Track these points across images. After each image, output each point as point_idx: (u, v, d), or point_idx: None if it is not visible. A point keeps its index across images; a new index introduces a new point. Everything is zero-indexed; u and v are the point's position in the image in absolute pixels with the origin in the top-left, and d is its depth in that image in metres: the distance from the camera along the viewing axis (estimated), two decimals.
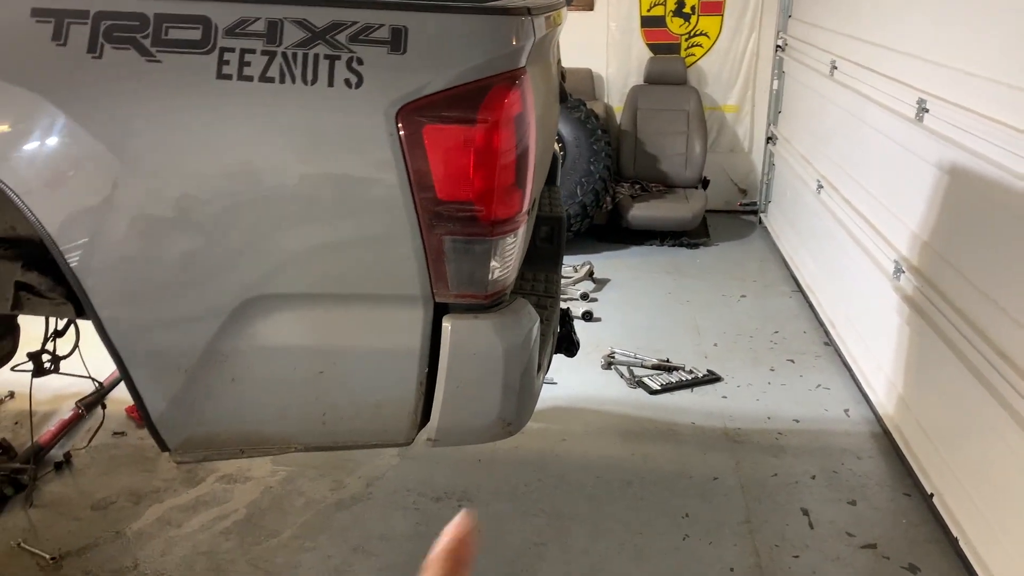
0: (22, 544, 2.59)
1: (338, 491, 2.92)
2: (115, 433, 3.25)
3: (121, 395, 3.50)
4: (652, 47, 6.16)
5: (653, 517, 2.81)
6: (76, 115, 1.41)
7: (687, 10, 6.14)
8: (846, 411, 3.51)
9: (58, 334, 2.57)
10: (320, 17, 1.42)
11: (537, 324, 1.65)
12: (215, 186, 1.44)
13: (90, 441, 3.13)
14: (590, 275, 4.91)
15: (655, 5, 6.12)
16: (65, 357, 2.48)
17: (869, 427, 3.38)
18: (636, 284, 4.94)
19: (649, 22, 6.17)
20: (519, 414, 1.62)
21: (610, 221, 5.66)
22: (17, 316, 2.27)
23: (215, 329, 1.50)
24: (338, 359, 1.55)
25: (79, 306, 1.91)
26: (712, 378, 3.76)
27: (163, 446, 1.58)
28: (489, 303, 1.56)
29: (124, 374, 1.51)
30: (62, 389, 3.31)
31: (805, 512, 2.84)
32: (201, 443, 1.59)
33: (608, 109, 6.17)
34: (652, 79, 6.01)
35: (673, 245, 5.58)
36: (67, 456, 3.06)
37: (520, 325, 1.59)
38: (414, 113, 1.42)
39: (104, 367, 3.26)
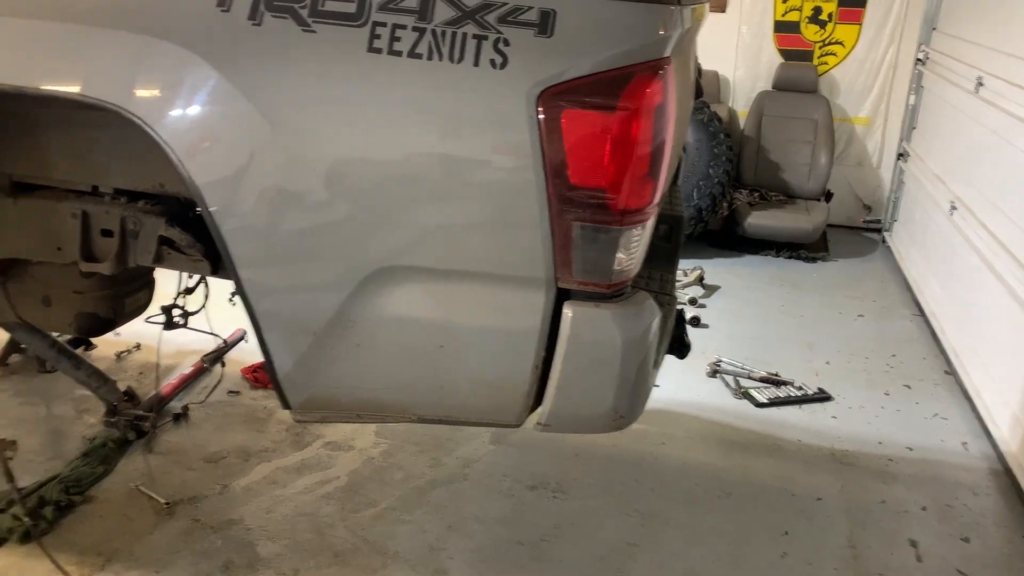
0: (140, 487, 2.74)
1: (436, 468, 2.97)
2: (230, 392, 3.40)
3: (238, 355, 3.66)
4: (783, 53, 6.00)
5: (752, 530, 2.74)
6: (234, 79, 1.47)
7: (824, 17, 5.94)
8: (964, 444, 3.34)
9: (188, 291, 2.70)
10: None
11: (657, 319, 1.63)
12: (358, 157, 1.48)
13: (207, 397, 3.28)
14: (700, 280, 4.83)
15: (790, 10, 5.96)
16: (194, 313, 2.61)
17: (988, 463, 3.20)
18: (747, 294, 4.83)
19: (782, 27, 6.01)
20: (632, 407, 1.61)
21: (725, 227, 5.54)
22: (153, 270, 2.40)
23: (345, 296, 1.54)
24: (459, 335, 1.57)
25: (215, 264, 2.01)
26: (822, 396, 3.64)
27: (285, 404, 1.64)
28: (611, 293, 1.56)
29: (257, 332, 1.57)
30: (184, 345, 3.47)
31: (913, 544, 2.71)
32: (321, 404, 1.64)
33: (732, 113, 6.04)
34: (781, 85, 5.85)
35: (789, 257, 5.42)
36: (185, 409, 3.22)
37: (641, 318, 1.58)
38: (555, 97, 1.43)
39: (226, 326, 3.44)
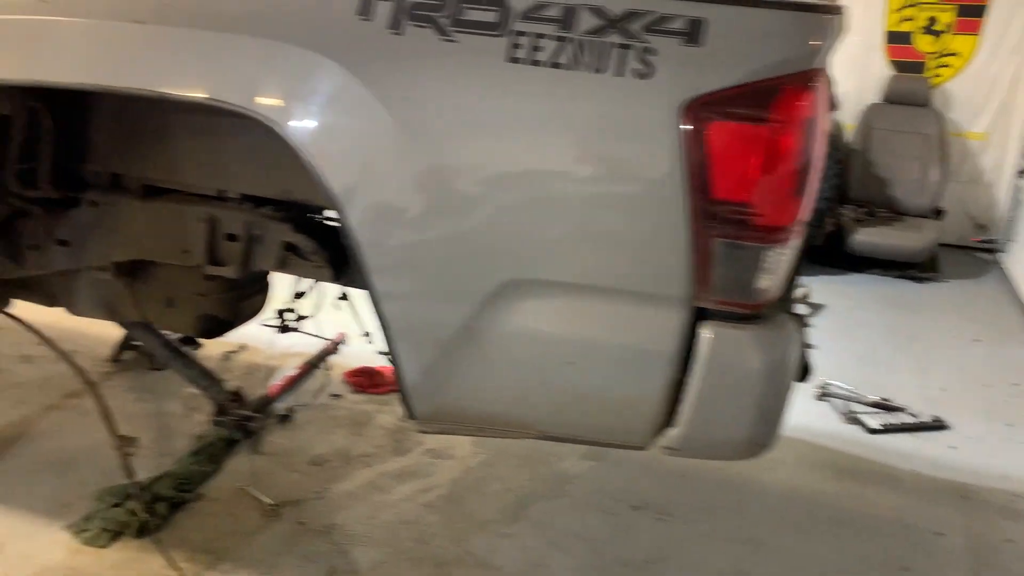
0: (247, 488, 2.78)
1: (535, 482, 2.93)
2: (332, 395, 3.43)
3: (340, 358, 3.70)
4: (895, 64, 5.78)
5: (868, 563, 2.61)
6: (372, 87, 1.47)
7: (939, 27, 5.71)
8: None
9: (300, 295, 2.74)
10: (616, 5, 1.40)
11: (798, 342, 1.55)
12: (495, 168, 1.45)
13: (313, 400, 3.32)
14: (805, 299, 4.66)
15: (904, 20, 5.74)
16: (307, 318, 2.63)
17: None
18: (855, 314, 4.65)
19: (895, 38, 5.80)
20: (769, 434, 1.54)
21: (830, 244, 5.35)
22: (269, 274, 2.43)
23: (475, 307, 1.52)
24: (589, 351, 1.53)
25: (336, 270, 2.02)
26: (938, 425, 3.46)
27: (410, 414, 1.62)
28: (751, 314, 1.49)
29: (387, 340, 1.56)
30: (288, 347, 3.53)
31: None
32: (446, 416, 1.62)
33: (838, 126, 5.84)
34: (891, 98, 5.65)
35: (898, 276, 5.21)
36: (290, 411, 3.26)
37: (782, 340, 1.51)
38: (702, 108, 1.37)
39: (329, 329, 3.49)
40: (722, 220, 1.41)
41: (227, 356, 3.72)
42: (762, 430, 1.52)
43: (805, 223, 1.54)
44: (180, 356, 3.11)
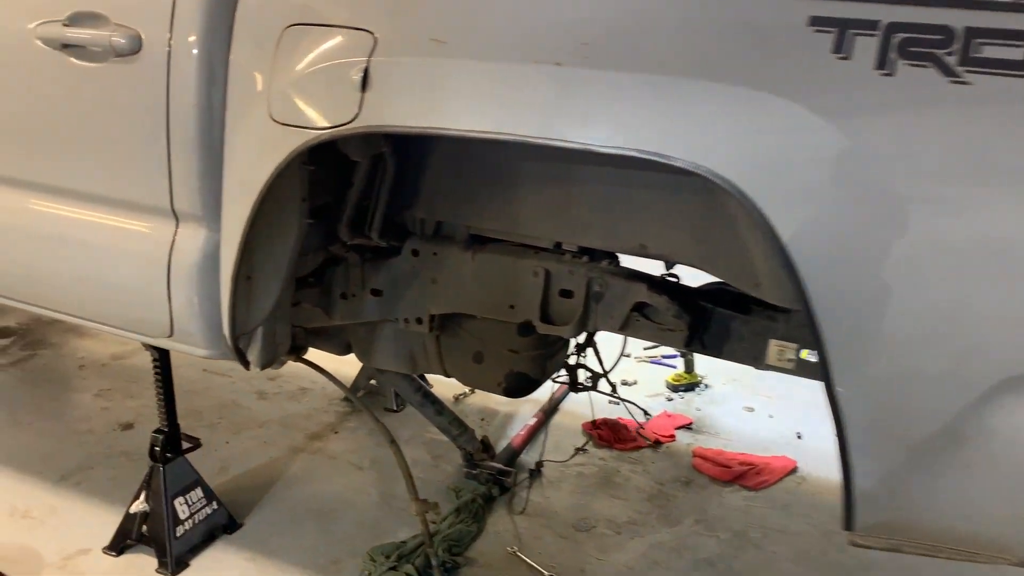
0: (518, 553, 2.58)
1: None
2: (577, 449, 3.22)
3: (572, 406, 3.49)
4: None
5: None
6: (853, 138, 1.23)
7: None
8: None
9: (581, 348, 2.53)
10: None
11: None
12: (1017, 238, 1.18)
13: (570, 457, 3.12)
14: None
15: None
16: (603, 375, 2.43)
17: None
18: None
19: None
20: None
21: None
22: None
23: (962, 403, 1.24)
24: None
25: (692, 334, 1.79)
26: None
27: (847, 524, 1.36)
28: None
29: (839, 437, 1.30)
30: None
31: None
32: (896, 530, 1.35)
33: None
34: None
35: None
36: (539, 465, 3.06)
37: None
38: None
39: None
40: None
41: (458, 399, 3.57)
42: None
43: None
44: (433, 402, 2.98)
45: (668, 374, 3.82)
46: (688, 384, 3.74)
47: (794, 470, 3.12)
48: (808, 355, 1.70)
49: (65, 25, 1.77)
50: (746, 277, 1.66)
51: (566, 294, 1.88)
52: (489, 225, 1.93)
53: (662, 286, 1.81)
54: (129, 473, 2.89)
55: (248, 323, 1.86)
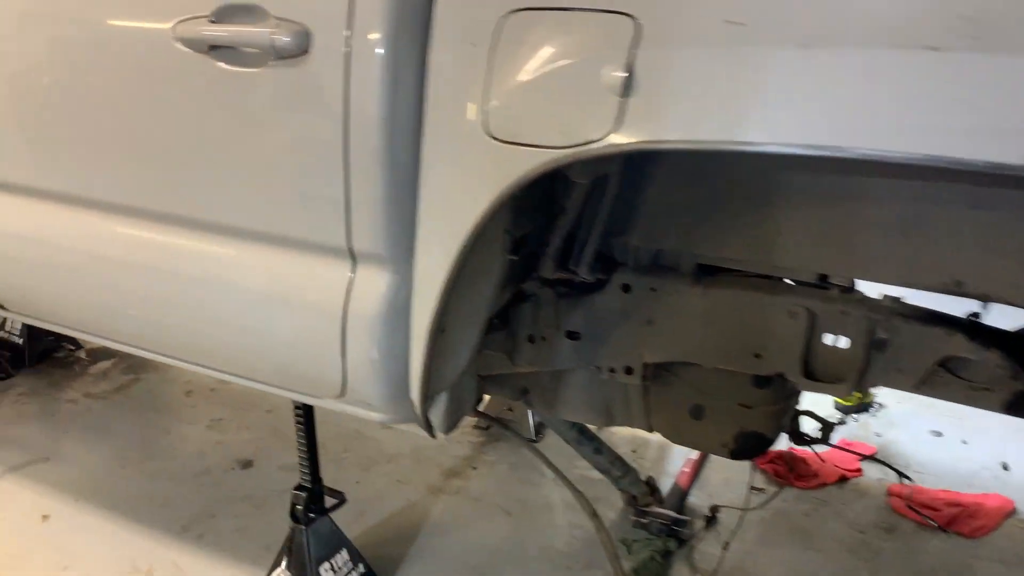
0: None
1: None
2: (753, 488, 2.81)
3: None
4: None
5: None
6: None
7: None
8: None
9: None
10: None
11: None
12: None
13: (759, 505, 2.70)
14: None
15: None
16: (837, 424, 2.02)
17: None
18: None
19: None
20: None
21: None
22: None
23: None
24: None
25: (1020, 396, 1.38)
26: None
27: None
28: None
29: None
30: None
31: None
32: None
33: None
34: None
35: None
36: (714, 511, 2.67)
37: None
38: None
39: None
40: None
41: (601, 428, 3.19)
42: None
43: None
44: (590, 439, 2.61)
45: None
46: (860, 404, 3.29)
47: (1013, 512, 2.67)
48: None
49: (212, 22, 1.42)
50: None
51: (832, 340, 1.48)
52: (731, 254, 1.53)
53: (986, 335, 1.39)
54: (255, 522, 2.60)
55: (441, 383, 1.51)
